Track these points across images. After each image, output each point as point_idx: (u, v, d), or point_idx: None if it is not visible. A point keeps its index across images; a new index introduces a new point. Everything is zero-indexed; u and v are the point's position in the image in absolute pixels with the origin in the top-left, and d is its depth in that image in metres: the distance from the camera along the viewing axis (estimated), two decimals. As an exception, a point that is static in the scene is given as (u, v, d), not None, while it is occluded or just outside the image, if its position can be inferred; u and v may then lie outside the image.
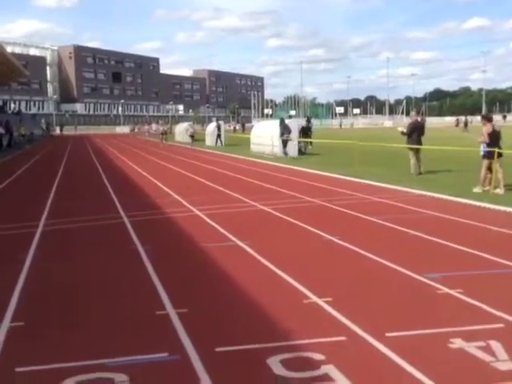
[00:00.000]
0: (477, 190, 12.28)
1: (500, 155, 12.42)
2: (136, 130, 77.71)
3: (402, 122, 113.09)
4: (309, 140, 27.00)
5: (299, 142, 25.95)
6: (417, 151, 16.19)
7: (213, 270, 6.51)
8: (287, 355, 4.02)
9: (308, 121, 29.41)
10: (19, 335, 4.58)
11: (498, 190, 12.15)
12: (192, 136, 38.84)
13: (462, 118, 62.13)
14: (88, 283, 6.12)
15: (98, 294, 5.71)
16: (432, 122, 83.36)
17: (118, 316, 5.02)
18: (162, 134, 43.95)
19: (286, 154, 24.15)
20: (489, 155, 12.43)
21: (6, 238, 8.66)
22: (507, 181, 12.40)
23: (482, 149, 12.76)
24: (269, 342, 4.26)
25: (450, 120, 76.25)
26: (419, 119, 17.72)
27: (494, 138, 12.57)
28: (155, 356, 4.07)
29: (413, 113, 18.74)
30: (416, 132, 16.32)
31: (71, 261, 7.16)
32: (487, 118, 13.38)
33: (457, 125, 66.93)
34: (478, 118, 72.14)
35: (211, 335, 4.47)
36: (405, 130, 16.62)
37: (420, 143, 16.38)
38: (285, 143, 24.30)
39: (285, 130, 24.22)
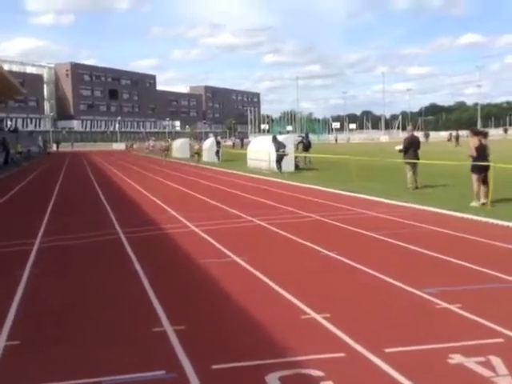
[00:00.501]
0: (474, 204, 12.29)
1: (487, 169, 12.45)
2: (135, 146, 76.01)
3: (399, 137, 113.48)
4: (309, 155, 27.03)
5: (296, 157, 25.99)
6: (414, 165, 16.23)
7: (210, 286, 6.47)
8: (286, 372, 3.98)
9: (307, 136, 29.45)
10: (15, 353, 4.54)
11: (480, 203, 12.21)
12: (198, 153, 37.29)
13: (454, 133, 62.37)
14: (84, 300, 6.08)
15: (94, 311, 5.67)
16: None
17: (115, 333, 4.98)
18: (164, 150, 42.58)
19: (279, 169, 24.09)
20: (475, 169, 12.47)
21: (3, 255, 8.61)
22: (504, 194, 12.42)
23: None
24: (267, 359, 4.22)
25: (445, 135, 76.73)
26: (415, 134, 17.80)
27: (481, 152, 12.58)
28: (152, 374, 4.03)
29: (409, 127, 18.76)
30: (413, 147, 16.38)
31: (67, 277, 7.11)
32: (474, 132, 13.43)
33: (449, 139, 67.18)
34: (446, 133, 72.34)
35: (209, 352, 4.43)
36: (401, 147, 16.66)
37: (417, 157, 16.43)
38: (280, 159, 24.27)
39: (280, 145, 24.27)
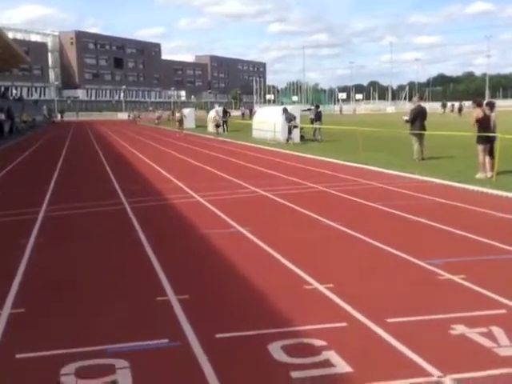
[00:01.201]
0: (479, 175, 12.22)
1: (492, 140, 12.35)
2: (141, 117, 70.43)
3: (405, 108, 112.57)
4: (320, 126, 26.57)
5: (302, 128, 25.84)
6: (420, 136, 16.10)
7: (214, 256, 6.49)
8: (288, 341, 4.01)
9: (317, 107, 28.72)
10: (20, 321, 4.58)
11: (486, 174, 12.16)
12: (218, 125, 32.19)
13: (456, 104, 62.33)
14: (88, 269, 6.11)
15: (98, 280, 5.70)
16: (433, 106, 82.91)
17: (119, 302, 5.01)
18: (178, 121, 37.29)
19: (290, 139, 24.01)
20: (480, 140, 12.37)
21: (8, 224, 8.65)
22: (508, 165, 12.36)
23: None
24: (270, 328, 4.24)
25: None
26: (422, 104, 17.55)
27: (485, 123, 12.45)
28: (156, 342, 4.06)
29: (415, 98, 18.46)
30: (419, 117, 16.23)
31: (71, 246, 7.14)
32: (477, 103, 13.28)
33: (452, 110, 67.16)
34: (456, 103, 72.83)
35: (212, 321, 4.46)
36: (408, 118, 16.53)
37: (423, 128, 16.29)
38: (290, 130, 24.19)
39: (290, 117, 24.13)
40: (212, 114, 35.67)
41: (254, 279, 5.53)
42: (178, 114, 39.18)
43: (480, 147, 12.38)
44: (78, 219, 8.95)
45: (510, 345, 3.87)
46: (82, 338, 4.19)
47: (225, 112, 37.71)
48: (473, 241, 6.89)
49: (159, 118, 56.90)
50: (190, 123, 42.82)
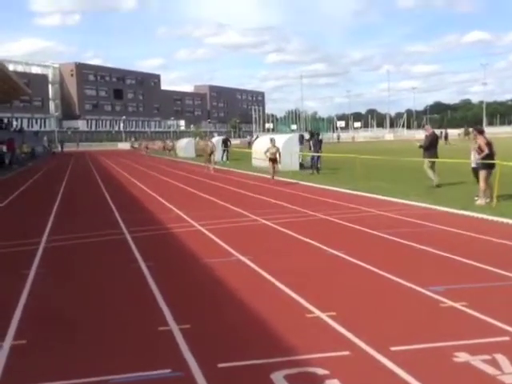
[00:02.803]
0: (479, 202, 12.24)
1: (493, 166, 12.45)
2: (148, 146, 62.05)
3: (404, 135, 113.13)
4: (320, 154, 26.34)
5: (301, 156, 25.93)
6: (433, 163, 16.20)
7: (215, 285, 6.48)
8: (291, 370, 3.99)
9: (318, 134, 28.36)
10: (22, 353, 4.56)
11: (479, 201, 12.20)
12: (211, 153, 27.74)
13: (443, 131, 63.23)
14: (89, 300, 6.10)
15: (99, 311, 5.68)
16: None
17: (121, 332, 4.99)
18: (209, 154, 27.98)
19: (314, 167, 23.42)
20: (486, 166, 12.42)
21: (9, 255, 8.64)
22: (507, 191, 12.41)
23: (475, 160, 12.84)
24: (272, 358, 4.23)
25: (450, 132, 76.82)
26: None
27: (491, 149, 12.57)
28: (158, 372, 4.04)
29: (427, 126, 18.62)
30: (433, 144, 16.36)
31: (73, 277, 7.13)
32: (479, 131, 13.34)
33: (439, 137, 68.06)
34: (454, 131, 73.62)
35: (214, 351, 4.44)
36: (422, 144, 16.61)
37: (437, 155, 16.43)
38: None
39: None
40: (202, 143, 33.44)
41: (255, 308, 5.51)
42: (209, 143, 28.84)
43: (484, 173, 12.40)
44: (79, 250, 8.94)
45: (514, 372, 3.85)
46: (85, 368, 4.17)
47: (225, 141, 37.78)
48: (474, 268, 6.88)
49: (171, 147, 51.29)
50: (190, 152, 42.94)
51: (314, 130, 32.73)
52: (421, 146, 16.66)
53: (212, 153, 27.71)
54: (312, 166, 23.56)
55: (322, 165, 24.54)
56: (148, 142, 66.39)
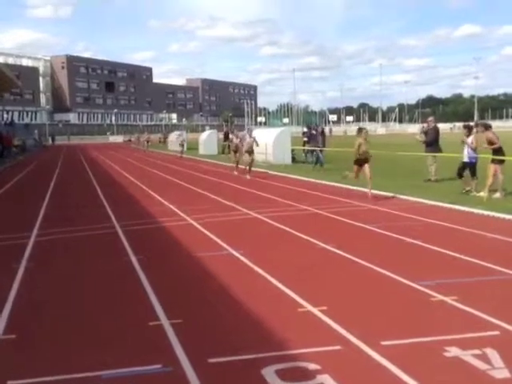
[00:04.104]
0: (482, 194, 12.20)
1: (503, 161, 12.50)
2: (149, 139, 51.67)
3: (396, 129, 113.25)
4: (320, 148, 26.07)
5: (292, 150, 25.94)
6: (435, 157, 16.13)
7: (207, 279, 6.47)
8: (282, 365, 3.98)
9: (322, 128, 27.67)
10: (11, 347, 4.53)
11: (497, 195, 12.21)
12: (235, 151, 23.84)
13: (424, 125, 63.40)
14: (80, 293, 6.07)
15: (90, 305, 5.66)
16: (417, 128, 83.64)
17: (112, 327, 4.97)
18: (234, 151, 24.61)
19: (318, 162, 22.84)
20: (497, 160, 12.40)
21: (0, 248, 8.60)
22: (504, 186, 12.48)
23: (472, 155, 12.89)
24: (263, 352, 4.22)
25: (442, 127, 77.02)
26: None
27: (498, 144, 12.58)
28: (149, 368, 4.03)
29: (431, 118, 17.55)
30: (436, 138, 16.33)
31: (63, 270, 7.09)
32: (485, 126, 13.25)
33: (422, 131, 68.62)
34: (446, 125, 73.80)
35: (205, 346, 4.43)
36: (422, 138, 16.53)
37: (439, 149, 16.37)
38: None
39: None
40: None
41: (246, 302, 5.51)
42: (235, 139, 24.68)
43: (493, 167, 12.39)
44: (69, 243, 8.89)
45: (504, 367, 3.86)
46: (76, 364, 4.15)
47: (226, 135, 36.59)
48: (464, 262, 6.91)
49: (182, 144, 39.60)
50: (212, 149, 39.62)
51: (314, 125, 32.35)
52: (423, 142, 16.57)
53: (238, 150, 22.70)
54: (317, 161, 22.63)
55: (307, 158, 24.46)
56: (149, 135, 57.21)
